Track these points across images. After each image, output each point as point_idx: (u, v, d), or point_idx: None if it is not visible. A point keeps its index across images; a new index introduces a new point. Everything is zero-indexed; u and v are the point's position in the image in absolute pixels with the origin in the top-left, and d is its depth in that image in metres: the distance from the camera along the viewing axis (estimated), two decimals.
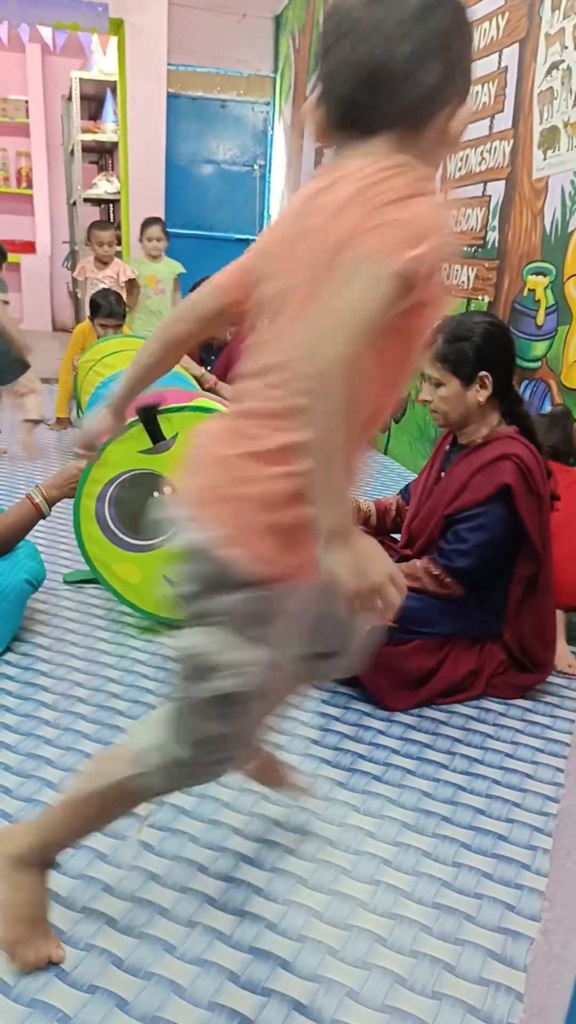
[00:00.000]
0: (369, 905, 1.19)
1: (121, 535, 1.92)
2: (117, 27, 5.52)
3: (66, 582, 2.27)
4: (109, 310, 3.83)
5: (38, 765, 1.46)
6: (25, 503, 1.87)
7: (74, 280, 4.80)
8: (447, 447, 1.91)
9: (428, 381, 1.82)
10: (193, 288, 1.25)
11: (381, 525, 2.07)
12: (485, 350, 1.73)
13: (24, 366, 3.57)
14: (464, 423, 1.81)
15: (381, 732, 1.64)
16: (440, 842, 1.33)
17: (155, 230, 4.56)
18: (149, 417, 1.82)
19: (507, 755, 1.60)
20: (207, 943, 1.10)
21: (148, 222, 4.61)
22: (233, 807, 1.38)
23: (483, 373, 1.73)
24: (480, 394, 1.75)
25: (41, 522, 1.93)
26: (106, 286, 4.57)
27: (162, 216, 5.77)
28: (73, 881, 1.19)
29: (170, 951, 1.08)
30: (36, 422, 3.71)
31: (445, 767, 1.54)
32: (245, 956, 1.08)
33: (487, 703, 1.78)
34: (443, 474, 1.87)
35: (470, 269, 3.21)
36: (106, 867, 1.22)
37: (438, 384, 1.78)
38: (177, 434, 1.87)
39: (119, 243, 4.70)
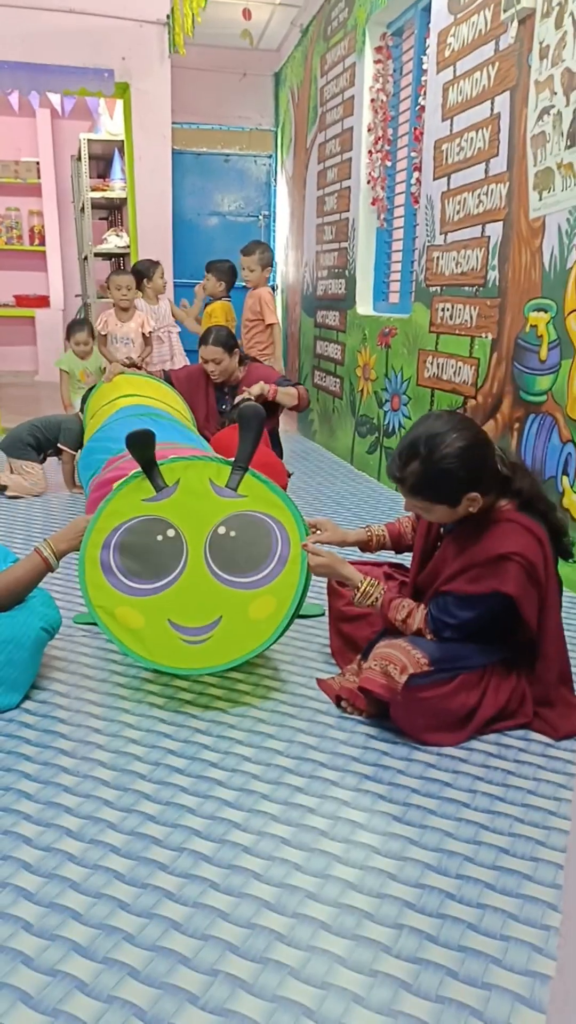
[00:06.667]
0: (393, 950, 1.17)
1: (125, 580, 1.92)
2: (123, 91, 5.73)
3: (76, 623, 2.31)
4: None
5: (57, 813, 1.46)
6: (34, 556, 1.90)
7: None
8: None
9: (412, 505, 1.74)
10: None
11: (397, 547, 2.09)
12: (465, 476, 1.62)
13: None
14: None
15: (400, 772, 1.62)
16: (464, 883, 1.31)
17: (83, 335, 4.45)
18: (147, 465, 1.85)
19: (529, 792, 1.58)
20: (230, 992, 1.09)
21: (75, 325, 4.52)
22: (253, 852, 1.37)
23: (472, 495, 1.64)
24: (472, 507, 1.66)
25: (57, 570, 1.95)
26: (131, 339, 4.57)
27: (171, 266, 5.92)
28: (94, 931, 1.18)
29: (193, 1001, 1.07)
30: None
31: (467, 806, 1.52)
32: (269, 1005, 1.07)
33: (506, 739, 1.76)
34: (442, 531, 1.85)
35: (472, 308, 3.26)
36: (127, 916, 1.21)
37: (425, 510, 1.72)
38: (179, 480, 1.89)
39: (138, 287, 4.74)
